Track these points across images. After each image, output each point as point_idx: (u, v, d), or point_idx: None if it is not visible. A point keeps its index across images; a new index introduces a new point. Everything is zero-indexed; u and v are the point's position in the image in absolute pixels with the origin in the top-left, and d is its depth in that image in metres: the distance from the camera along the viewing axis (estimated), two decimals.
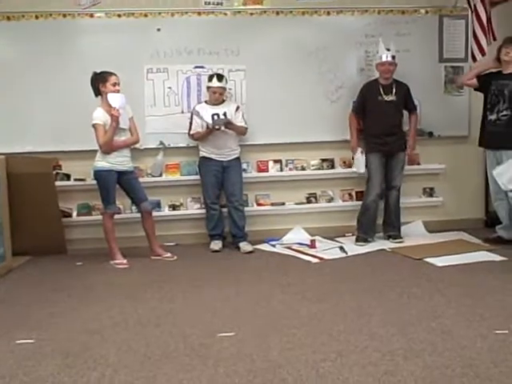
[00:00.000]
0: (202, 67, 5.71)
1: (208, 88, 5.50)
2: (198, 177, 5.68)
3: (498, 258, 5.02)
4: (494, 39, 5.54)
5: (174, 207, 5.84)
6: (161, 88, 5.71)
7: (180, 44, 5.66)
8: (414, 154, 5.85)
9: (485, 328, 3.56)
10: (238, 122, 5.49)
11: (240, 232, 5.59)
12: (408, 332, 3.54)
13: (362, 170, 5.63)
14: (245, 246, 5.51)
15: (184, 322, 3.79)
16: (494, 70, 5.31)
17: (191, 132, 5.54)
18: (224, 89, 5.47)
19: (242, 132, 5.55)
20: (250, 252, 5.45)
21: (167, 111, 5.74)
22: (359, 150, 5.60)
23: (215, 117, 5.39)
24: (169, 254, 5.33)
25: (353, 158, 5.72)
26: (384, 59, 5.42)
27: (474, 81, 5.38)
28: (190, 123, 5.54)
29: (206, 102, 5.56)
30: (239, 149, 5.61)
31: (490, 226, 5.77)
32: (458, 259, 4.98)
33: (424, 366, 3.10)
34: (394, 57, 5.43)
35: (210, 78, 5.46)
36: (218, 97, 5.45)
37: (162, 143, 5.71)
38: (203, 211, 5.72)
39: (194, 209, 5.84)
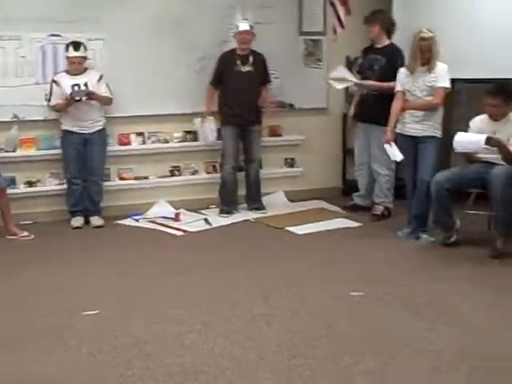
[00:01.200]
0: (58, 35, 5.42)
1: (67, 58, 5.25)
2: (56, 151, 5.42)
3: (354, 224, 5.29)
4: (349, 13, 5.75)
5: (30, 184, 5.53)
6: (13, 57, 5.35)
7: (35, 10, 5.29)
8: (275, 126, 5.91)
9: (342, 291, 3.75)
10: (102, 92, 5.29)
11: (94, 207, 5.42)
12: (270, 298, 3.65)
13: (212, 138, 5.62)
14: (95, 221, 5.37)
15: (44, 303, 3.65)
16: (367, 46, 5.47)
17: (51, 103, 5.28)
18: (83, 58, 5.23)
19: (106, 102, 5.33)
20: (100, 226, 5.32)
21: (21, 82, 5.38)
22: (210, 118, 5.56)
23: (75, 87, 5.16)
24: (25, 233, 5.07)
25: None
26: (241, 28, 5.41)
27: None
28: (50, 93, 5.25)
29: (66, 71, 5.30)
30: (103, 120, 5.39)
31: (347, 194, 6.04)
32: (318, 227, 5.19)
33: (285, 330, 3.22)
34: (251, 26, 5.44)
35: (67, 48, 5.21)
36: (77, 67, 5.21)
37: (15, 116, 5.38)
38: (63, 187, 5.48)
39: (53, 185, 5.57)
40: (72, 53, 5.17)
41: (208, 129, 5.62)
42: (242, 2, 5.73)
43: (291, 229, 5.15)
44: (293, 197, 6.08)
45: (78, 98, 5.11)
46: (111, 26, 5.49)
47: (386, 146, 4.85)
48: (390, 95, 4.89)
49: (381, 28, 5.26)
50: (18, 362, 2.92)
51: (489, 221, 4.67)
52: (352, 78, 5.32)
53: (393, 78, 4.88)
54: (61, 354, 2.99)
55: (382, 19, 5.29)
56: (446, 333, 3.18)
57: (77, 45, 5.19)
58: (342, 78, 5.33)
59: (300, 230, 5.11)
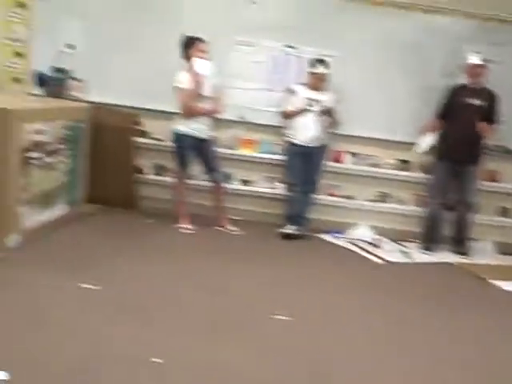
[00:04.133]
0: (292, 47, 5.59)
1: (312, 73, 5.29)
2: (273, 157, 5.65)
3: None
4: None
5: (245, 182, 5.76)
6: (247, 62, 5.60)
7: (272, 20, 5.50)
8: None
9: None
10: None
11: (299, 218, 5.38)
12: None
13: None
14: (287, 228, 5.33)
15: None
16: None
17: (283, 109, 5.38)
18: (326, 75, 5.27)
19: (335, 124, 5.37)
20: (289, 235, 5.27)
21: (250, 86, 5.62)
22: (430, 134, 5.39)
23: (313, 103, 5.25)
24: (234, 228, 5.31)
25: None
26: (472, 61, 5.25)
27: None
28: (284, 100, 5.38)
29: (304, 84, 5.34)
30: (327, 137, 5.43)
31: None
32: None
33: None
34: (484, 61, 5.25)
35: (313, 63, 5.28)
36: (320, 83, 5.26)
37: (241, 117, 5.65)
38: (274, 191, 5.69)
39: (266, 187, 5.75)
40: (320, 69, 5.24)
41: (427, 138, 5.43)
42: (475, 36, 5.51)
43: (496, 282, 4.77)
44: (502, 249, 5.66)
45: (309, 108, 5.23)
46: (343, 44, 5.55)
47: None
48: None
49: None
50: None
51: None
52: None
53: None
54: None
55: None
56: None
57: (323, 62, 5.27)
58: None
59: (507, 285, 4.70)
